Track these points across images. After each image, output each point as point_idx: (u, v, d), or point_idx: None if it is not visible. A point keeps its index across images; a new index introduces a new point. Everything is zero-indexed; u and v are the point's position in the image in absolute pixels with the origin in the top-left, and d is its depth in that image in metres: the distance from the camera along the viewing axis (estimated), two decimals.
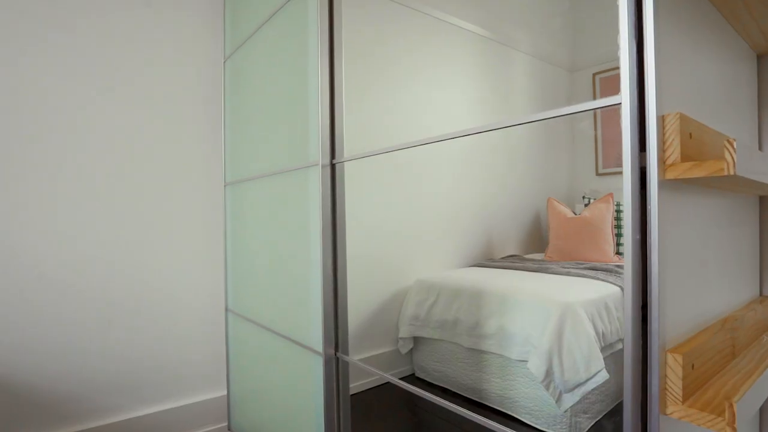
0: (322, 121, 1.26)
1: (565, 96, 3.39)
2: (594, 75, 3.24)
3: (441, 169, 2.60)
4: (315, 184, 1.28)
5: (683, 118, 0.65)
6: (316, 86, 1.27)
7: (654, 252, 0.64)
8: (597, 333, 1.75)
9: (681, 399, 0.64)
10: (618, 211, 2.71)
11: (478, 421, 0.91)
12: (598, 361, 1.68)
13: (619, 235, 2.69)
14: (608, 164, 3.18)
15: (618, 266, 2.22)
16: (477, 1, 2.84)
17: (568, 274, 2.18)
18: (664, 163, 0.66)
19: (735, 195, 0.97)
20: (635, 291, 0.64)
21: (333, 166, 1.26)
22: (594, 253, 2.51)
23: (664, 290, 0.66)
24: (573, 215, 2.65)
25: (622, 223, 2.67)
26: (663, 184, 0.65)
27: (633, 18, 0.65)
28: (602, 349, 1.75)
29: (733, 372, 0.76)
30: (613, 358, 1.87)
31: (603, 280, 2.03)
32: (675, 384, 0.64)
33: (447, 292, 2.18)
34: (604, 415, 1.84)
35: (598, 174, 3.25)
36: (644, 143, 0.66)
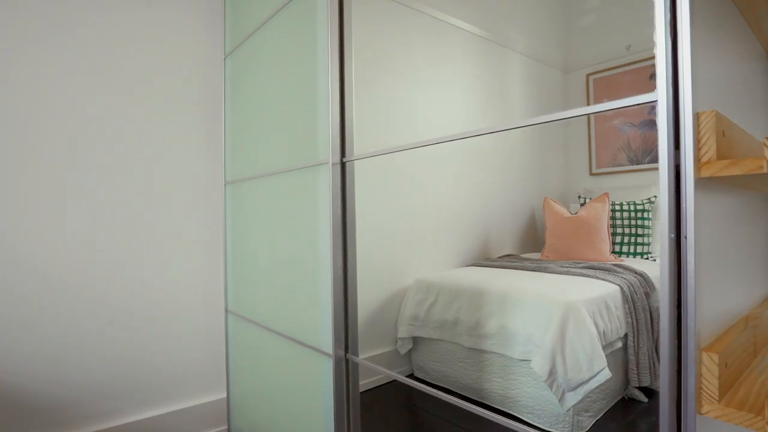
0: (332, 118, 1.23)
1: (560, 96, 3.41)
2: (588, 75, 3.27)
3: (439, 169, 2.59)
4: (324, 182, 1.26)
5: (718, 116, 0.65)
6: (326, 83, 1.25)
7: (690, 250, 0.63)
8: (599, 331, 1.75)
9: (717, 398, 0.64)
10: (614, 211, 2.73)
11: (490, 418, 0.90)
12: (601, 360, 1.68)
13: (615, 234, 2.71)
14: (602, 164, 3.21)
15: (616, 265, 2.24)
16: (476, 3, 2.84)
17: (567, 273, 2.19)
18: (699, 161, 0.65)
19: (749, 193, 0.98)
20: (671, 290, 0.63)
21: (343, 165, 1.24)
22: (590, 252, 2.53)
23: (699, 289, 0.66)
24: (569, 215, 2.66)
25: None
26: (697, 182, 0.65)
27: (669, 15, 0.64)
28: (603, 348, 1.76)
29: (759, 370, 0.77)
30: (612, 356, 1.88)
31: (602, 279, 2.04)
32: (711, 383, 0.64)
33: (447, 291, 2.17)
34: (604, 414, 1.85)
35: (591, 174, 3.28)
36: (678, 141, 0.65)
